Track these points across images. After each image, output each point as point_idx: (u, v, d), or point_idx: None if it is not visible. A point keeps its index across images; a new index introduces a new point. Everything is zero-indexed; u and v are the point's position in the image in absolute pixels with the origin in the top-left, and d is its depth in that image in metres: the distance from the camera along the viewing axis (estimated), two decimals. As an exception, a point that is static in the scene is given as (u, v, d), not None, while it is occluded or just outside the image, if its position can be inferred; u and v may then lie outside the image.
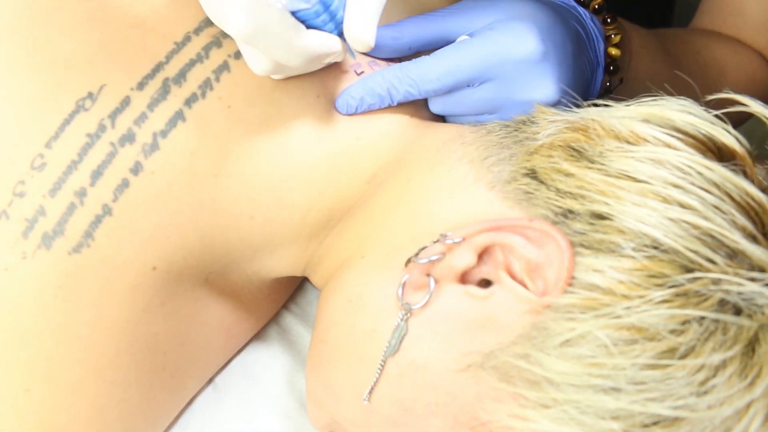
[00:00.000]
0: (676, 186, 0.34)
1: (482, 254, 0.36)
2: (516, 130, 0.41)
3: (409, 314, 0.37)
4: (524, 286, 0.35)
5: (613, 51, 0.51)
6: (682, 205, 0.34)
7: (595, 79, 0.49)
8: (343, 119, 0.43)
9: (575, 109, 0.41)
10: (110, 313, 0.38)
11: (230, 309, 0.46)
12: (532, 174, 0.37)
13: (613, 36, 0.52)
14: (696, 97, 0.41)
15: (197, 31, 0.41)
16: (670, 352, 0.32)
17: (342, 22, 0.37)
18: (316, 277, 0.46)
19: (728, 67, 0.59)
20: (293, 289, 0.55)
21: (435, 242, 0.37)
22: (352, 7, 0.36)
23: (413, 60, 0.42)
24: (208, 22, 0.41)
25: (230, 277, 0.44)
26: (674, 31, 0.61)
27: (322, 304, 0.43)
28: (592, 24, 0.48)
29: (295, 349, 0.52)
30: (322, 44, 0.37)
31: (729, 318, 0.32)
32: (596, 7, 0.53)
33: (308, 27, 0.37)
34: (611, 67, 0.52)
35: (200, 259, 0.41)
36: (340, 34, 0.38)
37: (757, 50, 0.62)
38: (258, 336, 0.52)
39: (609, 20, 0.52)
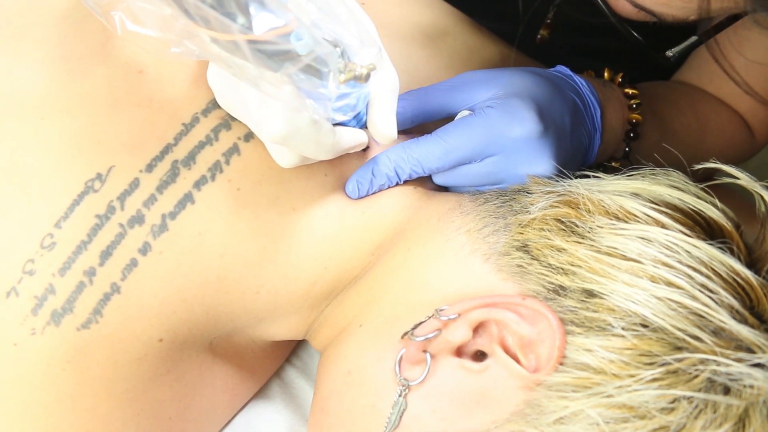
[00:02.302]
0: (664, 264, 0.36)
1: (477, 328, 0.38)
2: (511, 200, 0.42)
3: (407, 390, 0.38)
4: (517, 360, 0.36)
5: (635, 118, 0.53)
6: (670, 284, 0.35)
7: (592, 146, 0.50)
8: None
9: (567, 181, 0.42)
10: (118, 384, 0.39)
11: (234, 370, 0.47)
12: (525, 248, 0.39)
13: (634, 106, 0.54)
14: (682, 164, 0.42)
15: (205, 112, 0.42)
16: (661, 430, 0.33)
17: (362, 118, 0.41)
18: (316, 341, 0.47)
19: (709, 128, 0.60)
20: (295, 344, 0.56)
21: (430, 317, 0.38)
22: (375, 108, 0.40)
23: (416, 139, 0.44)
24: (216, 103, 0.42)
25: (233, 340, 0.45)
26: (661, 88, 0.62)
27: (322, 371, 0.44)
28: (588, 93, 0.50)
29: (297, 403, 0.53)
30: (352, 140, 0.40)
31: (717, 398, 0.33)
32: (620, 80, 0.55)
33: (334, 124, 0.39)
34: (632, 134, 0.54)
35: (205, 328, 0.42)
36: (362, 127, 0.41)
37: (738, 112, 0.63)
38: (260, 391, 0.53)
39: (631, 92, 0.54)
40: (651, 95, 0.59)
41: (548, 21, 0.61)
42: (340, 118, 0.39)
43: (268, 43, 0.30)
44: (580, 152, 0.49)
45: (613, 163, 0.56)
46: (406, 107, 0.45)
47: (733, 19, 0.42)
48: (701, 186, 0.40)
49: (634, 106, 0.54)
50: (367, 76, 0.32)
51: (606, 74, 0.57)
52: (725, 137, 0.62)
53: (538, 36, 0.61)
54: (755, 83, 0.58)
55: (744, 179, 0.39)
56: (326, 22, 0.32)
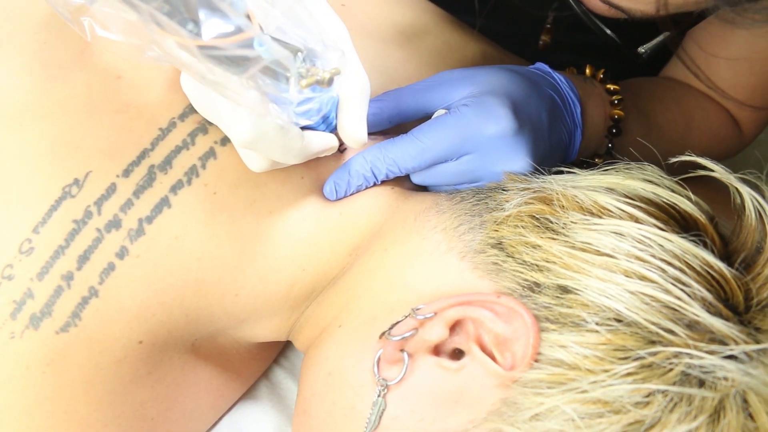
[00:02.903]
0: (637, 259, 0.36)
1: (454, 326, 0.38)
2: (487, 198, 0.42)
3: (386, 390, 0.38)
4: (493, 359, 0.36)
5: (617, 113, 0.53)
6: (643, 278, 0.35)
7: (573, 142, 0.50)
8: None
9: (543, 177, 0.42)
10: (98, 386, 0.39)
11: (218, 371, 0.47)
12: (500, 245, 0.39)
13: (616, 102, 0.54)
14: (664, 160, 0.42)
15: (182, 116, 0.42)
16: (636, 424, 0.34)
17: (332, 122, 0.41)
18: (298, 342, 0.47)
19: (694, 122, 0.60)
20: (282, 346, 0.56)
21: (407, 316, 0.38)
22: (344, 111, 0.40)
23: (392, 139, 0.44)
24: (193, 108, 0.42)
25: (217, 341, 0.45)
26: (646, 84, 0.62)
27: (304, 372, 0.44)
28: (567, 89, 0.50)
29: (284, 403, 0.53)
30: (320, 143, 0.40)
31: (691, 391, 0.33)
32: (601, 77, 0.55)
33: (303, 128, 0.39)
34: (614, 130, 0.54)
35: (185, 330, 0.42)
36: (332, 131, 0.41)
37: (725, 107, 0.62)
38: (248, 391, 0.53)
39: (613, 88, 0.54)
40: (635, 91, 0.59)
41: (548, 26, 0.61)
42: (304, 122, 0.39)
43: (229, 49, 0.30)
44: (560, 148, 0.49)
45: (596, 159, 0.56)
46: (382, 108, 0.45)
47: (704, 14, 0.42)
48: (676, 179, 0.40)
49: (616, 101, 0.54)
50: (330, 81, 0.32)
51: (588, 70, 0.57)
52: (711, 132, 0.62)
53: (540, 42, 0.61)
54: (724, 77, 0.58)
55: (719, 171, 0.39)
56: (291, 28, 0.33)
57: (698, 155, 0.40)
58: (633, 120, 0.56)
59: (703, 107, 0.62)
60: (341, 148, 0.45)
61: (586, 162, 0.55)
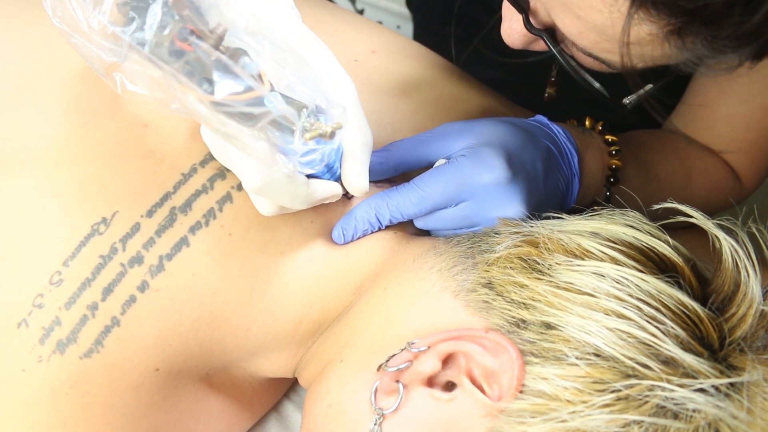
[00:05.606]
0: (616, 298, 0.38)
1: (447, 360, 0.40)
2: (481, 241, 0.46)
3: (382, 418, 0.40)
4: (482, 390, 0.39)
5: (615, 163, 0.56)
6: (621, 316, 0.38)
7: (571, 190, 0.53)
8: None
9: (533, 222, 0.45)
10: (116, 409, 0.42)
11: (231, 401, 0.50)
12: (490, 285, 0.42)
13: (614, 152, 0.57)
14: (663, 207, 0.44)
15: (203, 163, 0.46)
16: None
17: (337, 171, 0.44)
18: (302, 378, 0.50)
19: (693, 173, 0.63)
20: (292, 382, 0.58)
21: (402, 350, 0.41)
22: (347, 163, 0.44)
23: (395, 187, 0.47)
24: (213, 156, 0.46)
25: (230, 373, 0.48)
26: (646, 136, 0.65)
27: (307, 406, 0.47)
28: (565, 140, 0.53)
29: (293, 437, 0.56)
30: (325, 191, 0.44)
31: (666, 422, 0.36)
32: (600, 128, 0.58)
33: (309, 176, 0.43)
34: (612, 179, 0.56)
35: (199, 360, 0.45)
36: (336, 180, 0.44)
37: (724, 158, 0.65)
38: (258, 424, 0.56)
39: (611, 139, 0.57)
40: (635, 143, 0.61)
41: (552, 79, 0.64)
42: (308, 170, 0.42)
43: (239, 106, 0.34)
44: (557, 196, 0.52)
45: (594, 207, 0.58)
46: (388, 158, 0.48)
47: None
48: (656, 225, 0.43)
49: (614, 152, 0.57)
50: (332, 134, 0.36)
51: (587, 122, 0.60)
52: (711, 183, 0.64)
53: (546, 94, 0.64)
54: (721, 132, 0.60)
55: (698, 218, 0.42)
56: (299, 86, 0.37)
57: (685, 204, 0.42)
58: (631, 170, 0.59)
59: (703, 159, 0.64)
60: (348, 195, 0.48)
61: (582, 209, 0.57)
